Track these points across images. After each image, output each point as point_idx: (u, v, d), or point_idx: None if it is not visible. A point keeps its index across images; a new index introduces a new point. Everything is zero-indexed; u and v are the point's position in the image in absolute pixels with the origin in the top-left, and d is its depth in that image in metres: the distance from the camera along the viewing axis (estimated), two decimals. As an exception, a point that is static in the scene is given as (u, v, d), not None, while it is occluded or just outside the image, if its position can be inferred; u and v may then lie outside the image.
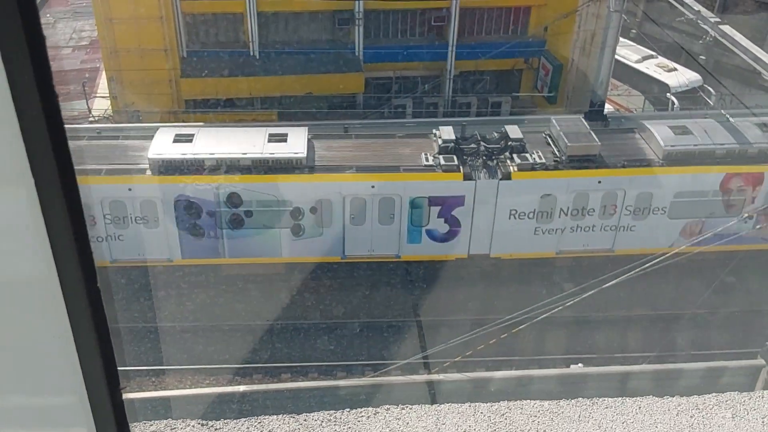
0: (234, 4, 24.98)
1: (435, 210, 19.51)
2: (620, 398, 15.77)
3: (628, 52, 28.69)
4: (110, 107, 25.66)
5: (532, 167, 19.32)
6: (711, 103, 25.95)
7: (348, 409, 15.40)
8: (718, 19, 23.55)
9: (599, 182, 19.40)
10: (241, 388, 17.10)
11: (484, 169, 19.42)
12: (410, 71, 26.83)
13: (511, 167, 19.37)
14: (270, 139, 19.54)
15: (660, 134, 19.91)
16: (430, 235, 19.80)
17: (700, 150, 19.62)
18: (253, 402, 16.32)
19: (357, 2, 25.13)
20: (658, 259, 17.56)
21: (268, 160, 19.11)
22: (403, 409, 15.30)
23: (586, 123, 20.56)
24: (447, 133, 19.81)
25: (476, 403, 15.46)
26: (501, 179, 19.21)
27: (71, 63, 31.44)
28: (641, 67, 28.39)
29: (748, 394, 16.15)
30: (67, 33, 34.30)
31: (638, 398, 15.81)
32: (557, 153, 19.75)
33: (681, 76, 27.08)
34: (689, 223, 20.11)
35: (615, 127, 21.39)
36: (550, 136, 20.33)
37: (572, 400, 15.68)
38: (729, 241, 20.08)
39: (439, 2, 25.78)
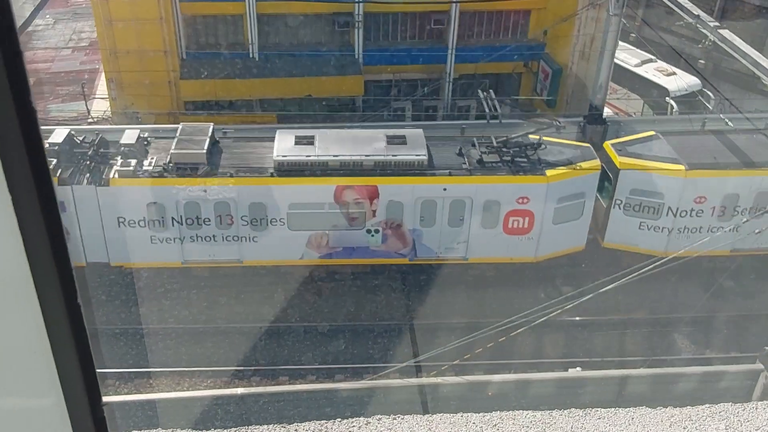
0: (234, 6, 24.98)
1: None
2: (613, 409, 15.70)
3: (628, 56, 28.72)
4: (109, 109, 25.65)
5: (134, 174, 18.44)
6: (710, 107, 25.98)
7: (339, 419, 15.31)
8: (717, 24, 23.56)
9: (205, 191, 18.69)
10: (239, 390, 17.02)
11: (88, 174, 18.58)
12: (410, 74, 26.85)
13: (111, 173, 18.58)
14: None
15: (278, 144, 19.15)
16: None
17: (312, 161, 18.84)
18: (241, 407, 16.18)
19: (357, 5, 25.15)
20: (652, 266, 17.59)
21: None
22: (395, 419, 15.24)
23: (212, 129, 19.63)
24: (56, 136, 18.82)
25: (468, 414, 15.40)
26: (100, 185, 18.35)
27: (70, 64, 31.44)
28: (640, 71, 28.41)
29: (742, 405, 16.10)
30: (66, 34, 34.31)
31: (631, 409, 15.74)
32: (167, 160, 18.84)
33: (680, 80, 27.10)
34: (313, 236, 19.49)
35: (258, 135, 20.58)
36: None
37: (565, 411, 15.62)
38: (361, 255, 19.84)
39: (439, 5, 25.80)
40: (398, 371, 17.30)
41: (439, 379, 17.06)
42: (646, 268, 18.25)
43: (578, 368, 18.02)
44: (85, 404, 1.74)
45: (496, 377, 17.58)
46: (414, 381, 17.30)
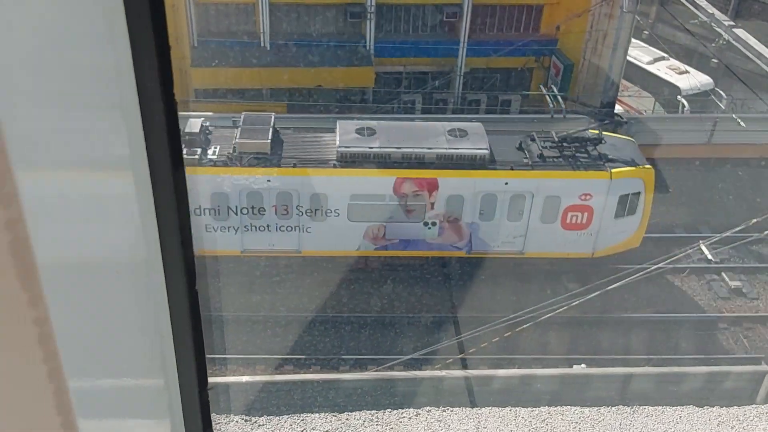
0: (246, -5, 24.95)
1: None
2: (661, 407, 15.83)
3: (640, 53, 28.57)
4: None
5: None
6: (722, 106, 25.83)
7: (390, 410, 15.52)
8: (732, 23, 23.41)
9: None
10: (277, 377, 17.09)
11: None
12: (420, 66, 26.78)
13: None
14: None
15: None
16: None
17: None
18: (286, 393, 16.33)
19: (369, -4, 25.09)
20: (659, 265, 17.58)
21: None
22: (444, 411, 15.44)
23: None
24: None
25: (517, 408, 15.60)
26: None
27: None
28: (652, 68, 28.27)
29: None
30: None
31: (679, 407, 15.89)
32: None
33: (692, 79, 26.95)
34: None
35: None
36: None
37: (613, 408, 15.81)
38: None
39: (452, -2, 25.71)
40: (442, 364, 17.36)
41: (444, 373, 17.14)
42: (652, 268, 18.33)
43: (582, 365, 18.02)
44: (195, 386, 1.81)
45: (501, 372, 17.64)
46: (420, 374, 17.33)
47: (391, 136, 19.19)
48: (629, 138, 20.74)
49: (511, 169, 18.96)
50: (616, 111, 23.20)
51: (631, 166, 19.35)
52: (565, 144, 19.48)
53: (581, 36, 25.96)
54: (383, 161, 18.85)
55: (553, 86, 25.02)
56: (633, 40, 24.57)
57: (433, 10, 26.21)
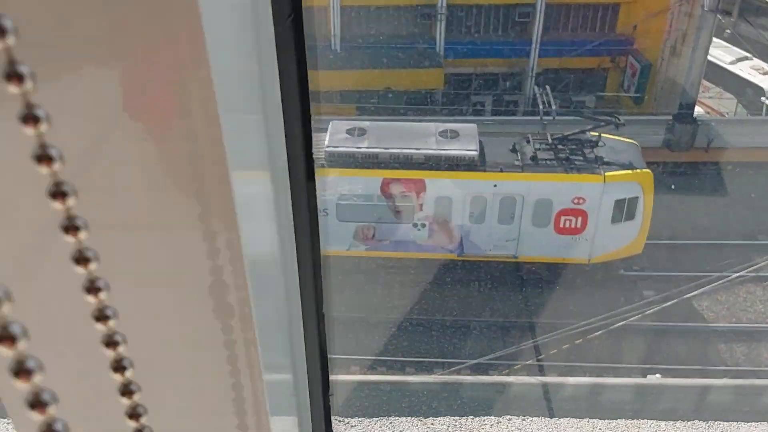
0: (318, -2, 25.22)
1: None
2: (736, 423, 15.50)
3: (722, 53, 27.62)
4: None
5: None
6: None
7: (472, 417, 15.71)
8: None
9: None
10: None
11: None
12: (491, 68, 26.50)
13: None
14: None
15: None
16: None
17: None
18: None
19: (440, -3, 25.02)
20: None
21: None
22: (524, 420, 15.59)
23: None
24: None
25: (594, 420, 15.63)
26: None
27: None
28: (735, 69, 27.28)
29: None
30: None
31: (753, 423, 15.51)
32: None
33: (777, 80, 25.88)
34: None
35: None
36: None
37: (688, 423, 15.62)
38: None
39: (524, -2, 25.38)
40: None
41: (512, 378, 16.98)
42: (735, 275, 17.68)
43: (657, 375, 17.55)
44: (320, 385, 1.90)
45: (571, 379, 17.36)
46: (485, 378, 17.22)
47: (380, 136, 18.95)
48: (631, 141, 19.90)
49: (501, 170, 18.46)
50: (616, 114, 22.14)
51: (628, 169, 18.51)
52: (560, 146, 18.88)
53: (660, 36, 25.23)
54: (372, 161, 18.64)
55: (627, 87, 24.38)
56: (714, 39, 23.71)
57: (504, 10, 25.92)
